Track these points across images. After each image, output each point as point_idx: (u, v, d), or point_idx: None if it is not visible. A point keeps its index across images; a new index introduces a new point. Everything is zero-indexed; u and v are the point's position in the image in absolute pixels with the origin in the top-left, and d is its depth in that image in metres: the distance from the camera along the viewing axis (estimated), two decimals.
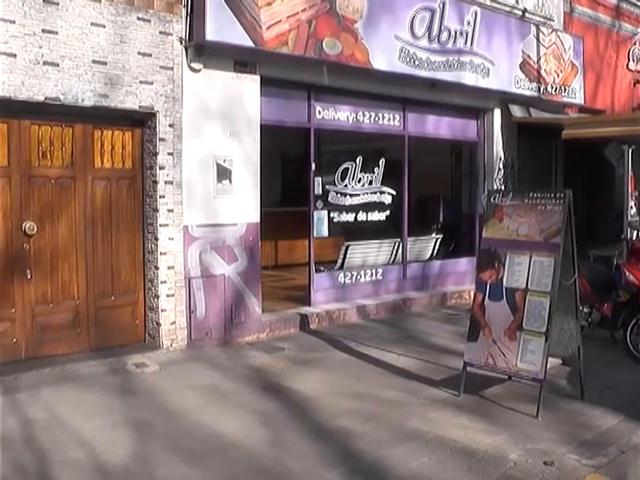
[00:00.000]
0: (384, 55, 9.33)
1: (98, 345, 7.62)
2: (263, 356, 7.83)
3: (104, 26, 7.20)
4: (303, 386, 6.69)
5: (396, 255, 11.10)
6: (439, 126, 11.52)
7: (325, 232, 9.94)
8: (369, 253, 10.80)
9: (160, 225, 7.77)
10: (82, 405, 6.08)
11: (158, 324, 7.86)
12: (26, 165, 7.12)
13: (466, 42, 10.43)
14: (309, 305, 9.68)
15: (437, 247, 11.94)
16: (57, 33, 6.88)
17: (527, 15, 11.89)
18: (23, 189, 7.10)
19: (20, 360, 7.09)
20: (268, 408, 6.12)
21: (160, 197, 7.76)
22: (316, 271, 9.85)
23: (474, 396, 6.40)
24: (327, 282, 10.05)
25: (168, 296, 7.87)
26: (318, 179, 9.77)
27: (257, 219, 8.69)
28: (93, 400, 6.21)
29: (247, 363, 7.54)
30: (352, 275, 10.32)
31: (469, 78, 10.58)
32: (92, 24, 7.11)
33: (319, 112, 9.68)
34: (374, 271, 10.62)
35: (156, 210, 7.77)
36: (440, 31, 10.05)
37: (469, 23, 10.45)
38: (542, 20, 12.30)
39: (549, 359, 6.08)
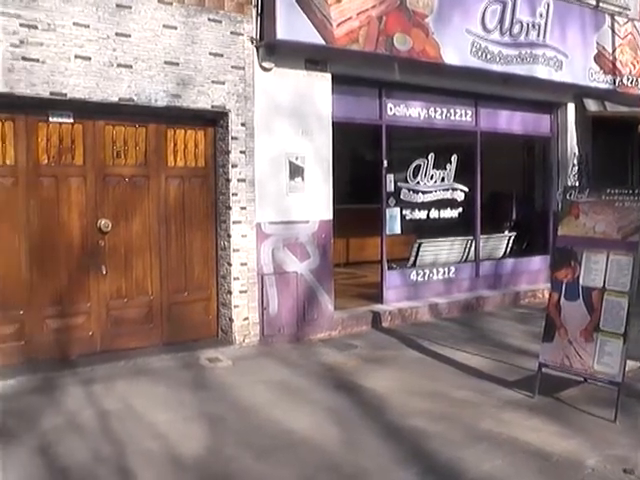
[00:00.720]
0: (455, 50, 8.85)
1: (171, 340, 7.47)
2: (335, 353, 7.51)
3: (175, 28, 7.08)
4: (375, 384, 6.35)
5: (468, 253, 10.58)
6: (512, 121, 10.92)
7: (397, 229, 9.54)
8: (441, 251, 10.32)
9: (233, 222, 7.57)
10: (155, 398, 5.97)
11: (231, 320, 7.65)
12: (101, 164, 7.04)
13: (538, 34, 9.81)
14: (381, 303, 9.29)
15: (510, 245, 11.33)
16: (130, 36, 6.80)
17: (601, 5, 11.14)
18: (98, 188, 7.03)
19: (95, 352, 7.04)
20: (340, 406, 5.82)
21: (233, 195, 7.55)
22: (388, 269, 9.47)
23: (548, 398, 5.92)
24: (399, 280, 9.64)
25: (241, 292, 7.65)
26: (390, 176, 9.38)
27: (329, 216, 8.38)
28: (166, 393, 6.09)
29: (319, 360, 7.24)
30: (424, 273, 9.87)
31: (542, 72, 9.96)
32: (164, 26, 7.00)
33: (390, 109, 9.29)
34: (446, 269, 10.14)
35: (229, 207, 7.56)
36: (512, 24, 9.47)
37: (541, 15, 9.83)
38: (617, 10, 11.52)
39: (627, 361, 5.57)
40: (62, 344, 6.89)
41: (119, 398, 5.91)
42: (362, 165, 11.98)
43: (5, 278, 6.58)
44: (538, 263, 11.22)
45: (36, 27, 6.30)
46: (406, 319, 9.09)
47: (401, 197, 9.61)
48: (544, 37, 9.90)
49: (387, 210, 9.33)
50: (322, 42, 7.61)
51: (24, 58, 6.25)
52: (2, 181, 6.57)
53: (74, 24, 6.49)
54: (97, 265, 7.03)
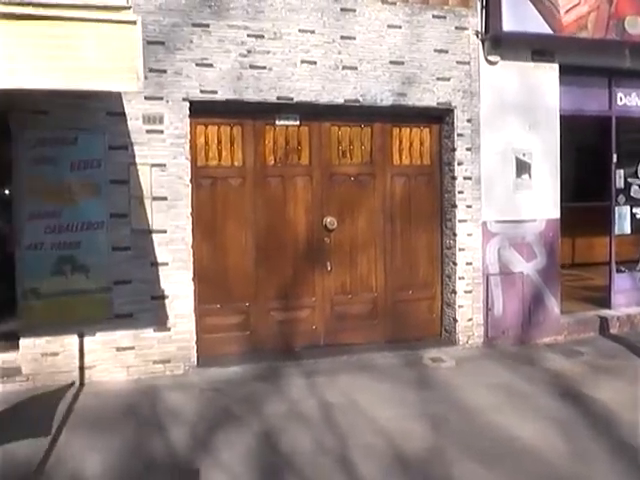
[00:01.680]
0: None
1: (393, 337, 7.14)
2: (560, 359, 6.74)
3: (400, 27, 6.80)
4: (603, 396, 5.55)
5: None
6: None
7: (627, 229, 8.46)
8: None
9: (459, 221, 7.08)
10: (377, 394, 5.71)
11: (455, 320, 7.15)
12: (327, 164, 6.91)
13: None
14: (609, 308, 8.23)
15: None
16: (354, 38, 6.65)
17: None
18: (324, 186, 6.90)
19: (319, 346, 6.94)
20: (566, 415, 5.17)
21: (459, 193, 7.06)
22: (617, 271, 8.43)
23: None
24: (628, 283, 8.49)
25: (465, 292, 7.13)
26: (620, 172, 8.35)
27: (557, 215, 7.57)
28: (388, 391, 5.80)
29: (543, 365, 6.53)
30: None
31: None
32: (388, 26, 6.76)
33: (620, 98, 8.21)
34: None
35: (454, 206, 7.09)
36: None
37: None
38: None
39: None
40: (286, 336, 6.86)
41: (341, 392, 5.75)
42: (589, 160, 10.88)
43: (233, 272, 6.67)
44: None
45: (263, 36, 6.38)
46: (635, 326, 7.98)
47: (631, 194, 8.52)
48: None
49: (616, 208, 8.30)
50: (549, 31, 6.90)
51: (252, 66, 6.36)
52: (231, 181, 6.67)
53: (299, 31, 6.49)
54: (322, 261, 6.91)
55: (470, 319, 7.16)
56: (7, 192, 7.38)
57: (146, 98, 6.03)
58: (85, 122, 5.91)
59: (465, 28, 7.04)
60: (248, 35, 6.33)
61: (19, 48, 3.45)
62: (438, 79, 6.93)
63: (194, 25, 6.18)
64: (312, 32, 6.51)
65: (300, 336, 6.90)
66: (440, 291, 7.38)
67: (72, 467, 4.33)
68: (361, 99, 6.66)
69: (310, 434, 4.84)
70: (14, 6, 3.44)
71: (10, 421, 5.10)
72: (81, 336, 6.03)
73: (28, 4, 3.51)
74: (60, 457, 4.49)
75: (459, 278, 7.12)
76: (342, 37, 6.60)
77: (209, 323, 6.57)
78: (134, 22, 3.64)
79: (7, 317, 6.35)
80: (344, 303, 7.06)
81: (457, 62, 7.01)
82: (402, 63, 6.79)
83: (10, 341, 6.09)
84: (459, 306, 7.14)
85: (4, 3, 3.45)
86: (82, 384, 5.99)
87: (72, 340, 6.02)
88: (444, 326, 7.37)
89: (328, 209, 6.92)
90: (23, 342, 5.97)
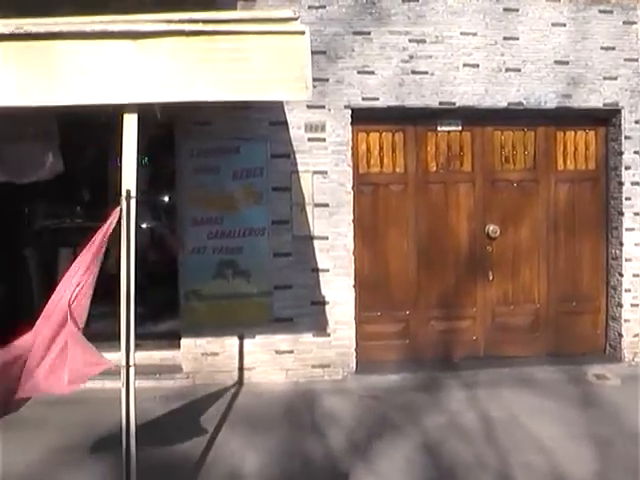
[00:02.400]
0: None
1: (555, 351, 6.68)
2: None
3: (564, 25, 6.38)
4: None
5: None
6: None
7: None
8: None
9: (626, 229, 6.53)
10: (539, 410, 5.39)
11: (620, 335, 6.58)
12: (489, 170, 6.58)
13: None
14: None
15: None
16: (517, 39, 6.33)
17: None
18: (486, 193, 6.57)
19: (478, 357, 6.62)
20: None
21: (626, 199, 6.50)
22: None
23: None
24: None
25: (632, 306, 6.55)
26: None
27: None
28: (550, 407, 5.44)
29: None
30: None
31: None
32: (552, 24, 6.37)
33: None
34: None
35: (621, 213, 6.53)
36: None
37: None
38: None
39: None
40: (445, 346, 6.59)
41: (502, 406, 5.46)
42: None
43: (394, 279, 6.51)
44: None
45: (424, 41, 6.22)
46: None
47: None
48: None
49: None
50: None
51: (413, 72, 6.21)
52: (393, 188, 6.51)
53: (461, 34, 6.27)
54: (484, 270, 6.57)
55: (637, 335, 6.57)
56: (166, 199, 7.63)
57: (308, 107, 6.01)
58: (248, 132, 5.97)
59: (633, 22, 6.48)
60: (409, 40, 6.18)
61: (190, 63, 3.46)
62: (604, 78, 6.44)
63: (355, 33, 6.11)
64: (474, 34, 6.26)
65: (460, 346, 6.62)
66: (605, 304, 6.81)
67: (230, 464, 4.41)
68: (525, 102, 6.32)
69: (470, 448, 4.63)
70: (185, 24, 3.47)
71: (174, 418, 5.25)
72: (241, 338, 6.11)
73: (198, 21, 3.53)
74: (219, 454, 4.56)
75: (625, 290, 6.55)
76: (505, 38, 6.30)
77: (368, 330, 6.43)
78: (303, 32, 3.55)
79: (169, 317, 6.59)
80: (505, 314, 6.68)
81: (625, 59, 6.48)
82: (567, 63, 6.37)
83: (171, 340, 6.30)
84: (625, 320, 6.56)
85: (175, 21, 3.50)
86: (241, 384, 6.08)
87: (232, 341, 6.11)
88: (609, 341, 6.80)
89: (490, 216, 6.58)
90: (184, 341, 6.13)
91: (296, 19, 3.86)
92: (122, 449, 3.42)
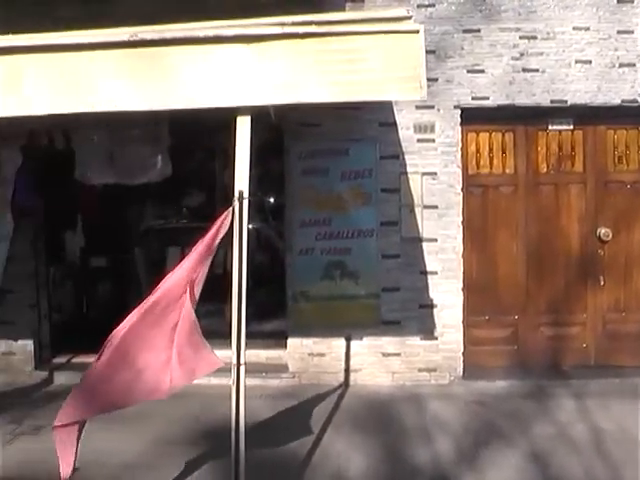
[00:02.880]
0: None
1: None
2: None
3: None
4: None
5: None
6: None
7: None
8: None
9: None
10: None
11: None
12: (601, 170, 6.28)
13: None
14: None
15: None
16: (632, 32, 6.00)
17: None
18: (598, 195, 6.28)
19: (588, 366, 6.32)
20: None
21: None
22: None
23: None
24: None
25: None
26: None
27: None
28: None
29: None
30: None
31: None
32: None
33: None
34: None
35: None
36: None
37: None
38: None
39: None
40: (554, 353, 6.33)
41: (613, 418, 5.18)
42: None
43: (503, 283, 6.30)
44: None
45: (535, 37, 6.00)
46: None
47: None
48: None
49: None
50: None
51: (524, 69, 6.02)
52: (502, 190, 6.31)
53: (573, 29, 6.01)
54: (595, 275, 6.28)
55: None
56: (272, 200, 7.66)
57: (417, 107, 5.90)
58: (357, 133, 5.90)
59: None
60: (520, 37, 5.97)
61: (303, 65, 3.43)
62: None
63: (464, 31, 5.96)
64: (587, 29, 5.99)
65: (569, 354, 6.35)
66: None
67: (336, 464, 4.40)
68: (639, 99, 6.02)
69: (580, 461, 4.41)
70: (298, 26, 3.47)
71: (280, 417, 5.27)
72: (348, 339, 6.07)
73: (311, 23, 3.53)
74: (325, 453, 4.56)
75: None
76: (619, 32, 6.00)
77: (476, 335, 6.27)
78: (417, 31, 3.48)
79: (275, 317, 6.61)
80: (617, 321, 6.37)
81: None
82: None
83: (278, 339, 6.31)
84: None
85: (288, 24, 3.50)
86: (347, 386, 6.04)
87: (339, 342, 6.07)
88: None
89: (602, 219, 6.29)
90: (291, 341, 6.13)
91: (409, 18, 3.81)
92: (231, 447, 3.42)
